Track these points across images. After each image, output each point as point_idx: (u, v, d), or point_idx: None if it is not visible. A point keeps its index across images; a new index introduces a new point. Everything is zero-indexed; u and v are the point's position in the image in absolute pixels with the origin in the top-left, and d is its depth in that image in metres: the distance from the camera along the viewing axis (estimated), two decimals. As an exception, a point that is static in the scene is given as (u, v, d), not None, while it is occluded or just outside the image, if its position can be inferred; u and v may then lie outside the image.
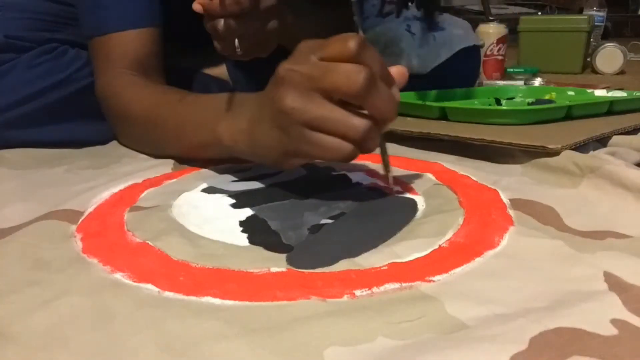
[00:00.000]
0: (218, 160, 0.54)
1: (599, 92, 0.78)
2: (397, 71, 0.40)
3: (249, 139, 0.44)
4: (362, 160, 0.55)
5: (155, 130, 0.57)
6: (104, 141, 0.67)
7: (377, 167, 0.52)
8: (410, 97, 0.73)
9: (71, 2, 0.70)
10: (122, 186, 0.49)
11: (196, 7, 0.50)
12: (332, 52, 0.36)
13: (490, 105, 0.72)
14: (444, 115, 0.65)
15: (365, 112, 0.37)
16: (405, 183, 0.48)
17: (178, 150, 0.56)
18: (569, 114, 0.63)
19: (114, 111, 0.62)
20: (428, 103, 0.68)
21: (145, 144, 0.60)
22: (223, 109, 0.49)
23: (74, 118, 0.67)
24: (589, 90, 0.81)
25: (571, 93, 0.81)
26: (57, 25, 0.69)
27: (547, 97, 0.79)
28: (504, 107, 0.70)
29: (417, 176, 0.49)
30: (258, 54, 0.57)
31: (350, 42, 0.36)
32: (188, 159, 0.56)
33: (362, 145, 0.37)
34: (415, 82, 0.80)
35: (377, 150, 0.43)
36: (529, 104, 0.73)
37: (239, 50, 0.52)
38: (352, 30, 0.42)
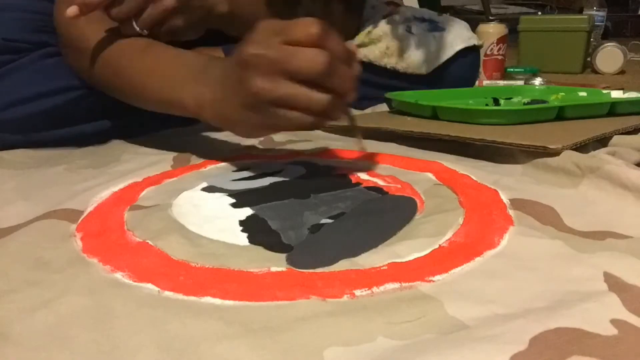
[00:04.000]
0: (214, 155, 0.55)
1: (616, 94, 0.75)
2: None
3: (215, 111, 0.48)
4: (361, 160, 0.55)
5: (120, 78, 0.57)
6: (103, 140, 0.67)
7: (377, 167, 0.52)
8: (408, 96, 0.73)
9: None
10: (122, 185, 0.49)
11: (70, 11, 0.51)
12: (296, 37, 0.40)
13: (487, 104, 0.72)
14: (436, 115, 0.65)
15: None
16: (405, 183, 0.48)
17: (144, 103, 0.57)
18: (561, 115, 0.62)
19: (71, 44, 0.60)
20: (420, 102, 0.68)
21: (112, 91, 0.60)
22: (188, 72, 0.51)
23: (77, 121, 0.66)
24: (605, 92, 0.79)
25: (583, 94, 0.79)
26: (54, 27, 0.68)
27: (553, 97, 0.78)
28: (492, 107, 0.70)
29: (417, 176, 0.49)
30: (175, 37, 0.58)
31: (312, 27, 0.39)
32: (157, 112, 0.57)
33: (326, 115, 0.43)
34: (416, 82, 0.81)
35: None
36: (525, 104, 0.73)
37: (141, 31, 0.55)
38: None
